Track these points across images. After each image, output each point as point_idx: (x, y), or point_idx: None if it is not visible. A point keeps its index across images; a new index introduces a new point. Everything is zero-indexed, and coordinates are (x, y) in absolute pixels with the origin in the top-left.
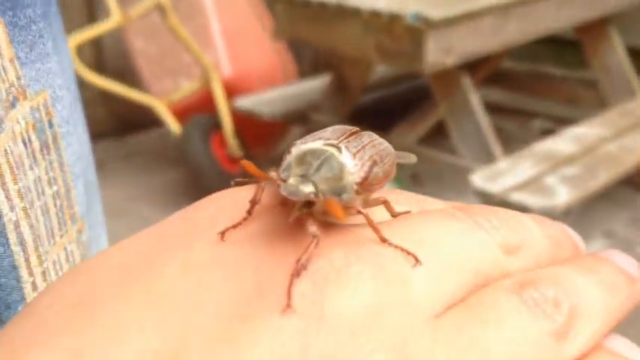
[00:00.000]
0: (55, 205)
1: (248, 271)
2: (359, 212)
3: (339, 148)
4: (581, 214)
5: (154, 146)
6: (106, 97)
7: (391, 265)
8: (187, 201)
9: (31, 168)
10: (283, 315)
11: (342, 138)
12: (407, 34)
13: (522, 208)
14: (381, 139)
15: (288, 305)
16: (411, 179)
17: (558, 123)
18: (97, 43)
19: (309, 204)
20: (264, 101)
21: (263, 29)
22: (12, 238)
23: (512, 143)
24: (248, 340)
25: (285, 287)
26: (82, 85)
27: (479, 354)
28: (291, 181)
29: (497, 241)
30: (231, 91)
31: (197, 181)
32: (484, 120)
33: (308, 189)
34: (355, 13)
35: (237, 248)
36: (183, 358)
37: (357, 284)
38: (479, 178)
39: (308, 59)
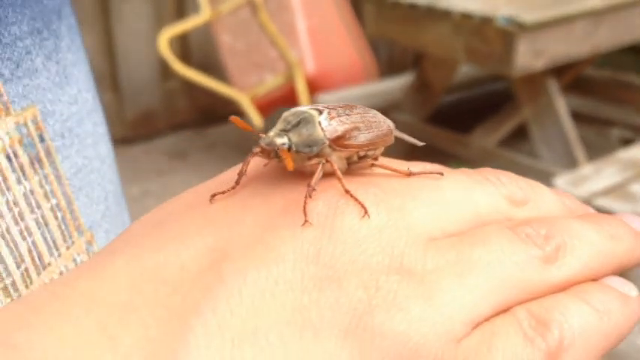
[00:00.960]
0: (57, 218)
1: (277, 197)
2: (327, 161)
3: (320, 111)
4: None
5: (233, 138)
6: (189, 88)
7: (393, 199)
8: None
9: (19, 182)
10: (303, 227)
11: (331, 105)
12: (498, 36)
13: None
14: (378, 116)
15: (306, 220)
16: None
17: (637, 132)
18: (183, 37)
19: (290, 151)
20: (345, 98)
21: (347, 28)
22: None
23: (590, 150)
24: (276, 243)
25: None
26: (166, 76)
27: (464, 265)
28: (270, 133)
29: (502, 192)
30: (314, 87)
31: None
32: (569, 125)
33: (281, 140)
34: (445, 14)
35: (268, 183)
36: (229, 252)
37: (361, 208)
38: (563, 182)
39: (384, 59)
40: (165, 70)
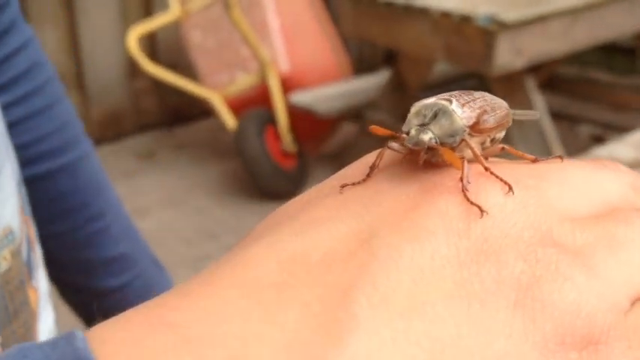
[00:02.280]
0: None
1: (413, 182)
2: (466, 143)
3: (449, 101)
4: None
5: (203, 138)
6: (157, 88)
7: (527, 178)
8: (240, 192)
9: None
10: (447, 201)
11: (454, 93)
12: (478, 35)
13: None
14: (495, 97)
15: (482, 210)
16: None
17: (606, 129)
18: (151, 35)
19: (430, 150)
20: (319, 97)
21: (320, 26)
22: None
23: (561, 147)
24: (423, 220)
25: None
26: (134, 75)
27: (612, 241)
28: (412, 132)
29: (626, 180)
30: (288, 86)
31: (250, 173)
32: (547, 122)
33: (427, 136)
34: (423, 13)
35: (400, 173)
36: (376, 231)
37: (503, 188)
38: None
39: (355, 57)
40: (132, 69)
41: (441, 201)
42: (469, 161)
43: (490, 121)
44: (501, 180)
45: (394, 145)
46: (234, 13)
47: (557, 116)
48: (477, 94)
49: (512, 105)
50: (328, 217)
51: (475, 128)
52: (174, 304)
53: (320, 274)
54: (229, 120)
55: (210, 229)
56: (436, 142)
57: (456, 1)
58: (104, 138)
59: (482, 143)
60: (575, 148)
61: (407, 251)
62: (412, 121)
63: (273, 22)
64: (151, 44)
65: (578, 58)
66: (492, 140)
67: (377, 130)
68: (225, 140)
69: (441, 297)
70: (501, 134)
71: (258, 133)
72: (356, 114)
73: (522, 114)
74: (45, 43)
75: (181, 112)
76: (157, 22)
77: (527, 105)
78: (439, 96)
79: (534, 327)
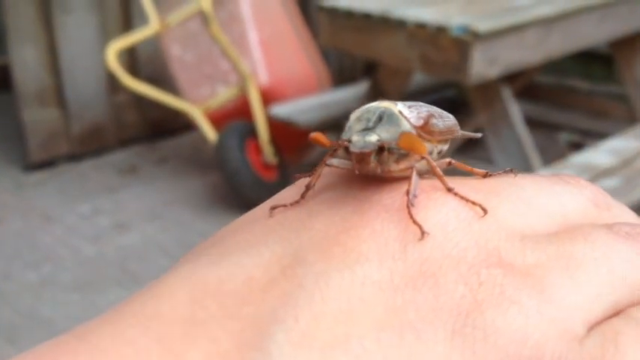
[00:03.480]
0: None
1: (349, 200)
2: (423, 158)
3: (393, 104)
4: None
5: (185, 152)
6: (138, 102)
7: (475, 194)
8: (221, 205)
9: None
10: (382, 221)
11: (398, 102)
12: (452, 45)
13: None
14: (443, 111)
15: (423, 231)
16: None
17: (584, 136)
18: (130, 50)
19: (380, 153)
20: (299, 109)
21: (299, 38)
22: None
23: (540, 155)
24: (355, 243)
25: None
26: (114, 90)
27: (569, 261)
28: (355, 137)
29: (586, 195)
30: (268, 98)
31: (232, 186)
32: (523, 131)
33: (373, 138)
34: (400, 24)
35: (336, 191)
36: (303, 257)
37: (447, 205)
38: None
39: (334, 68)
40: (112, 84)
41: (377, 221)
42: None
43: (439, 124)
44: (468, 200)
45: (334, 161)
46: (213, 27)
47: (535, 124)
48: (419, 102)
49: (490, 114)
50: (251, 243)
51: (424, 129)
52: (69, 349)
53: (234, 306)
54: (210, 133)
55: (192, 242)
56: (381, 147)
57: (432, 12)
58: (86, 153)
59: (430, 153)
60: (553, 156)
61: (335, 279)
62: (354, 127)
63: (252, 35)
64: (132, 58)
65: (555, 66)
66: (439, 152)
67: (317, 138)
68: (207, 153)
69: (370, 329)
70: (446, 146)
71: (239, 145)
72: (336, 124)
73: (466, 134)
74: (25, 59)
75: (163, 126)
76: (136, 36)
77: (504, 114)
78: (381, 101)
79: (475, 358)
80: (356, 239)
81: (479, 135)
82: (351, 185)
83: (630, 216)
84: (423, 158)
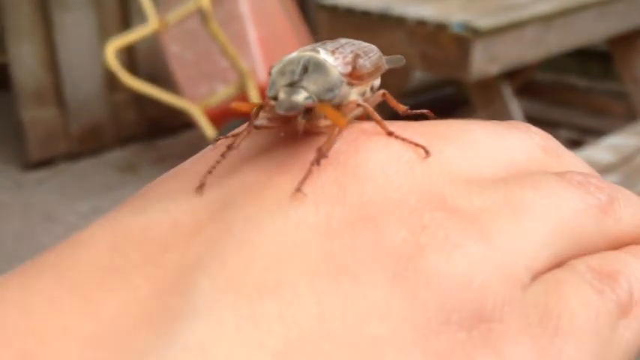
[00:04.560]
0: None
1: (281, 150)
2: (358, 105)
3: (316, 51)
4: None
5: (183, 150)
6: (137, 100)
7: (419, 137)
8: None
9: None
10: (320, 166)
11: (317, 45)
12: (453, 42)
13: None
14: (361, 42)
15: (299, 190)
16: None
17: (583, 133)
18: (129, 48)
19: (308, 113)
20: None
21: (297, 36)
22: None
23: None
24: (288, 186)
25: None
26: (113, 88)
27: (516, 207)
28: (281, 95)
29: (536, 141)
30: (266, 96)
31: None
32: None
33: (301, 96)
34: (400, 21)
35: (268, 147)
36: (232, 201)
37: (388, 147)
38: None
39: None
40: (111, 82)
41: (313, 167)
42: (357, 119)
43: (367, 65)
44: (411, 142)
45: (261, 121)
46: (212, 25)
47: (534, 121)
48: (342, 40)
49: (491, 111)
50: (178, 191)
51: (353, 75)
52: None
53: (157, 253)
54: (209, 131)
55: None
56: (313, 102)
57: (432, 10)
58: (84, 152)
59: (363, 94)
60: None
61: (266, 222)
62: (278, 82)
63: (251, 33)
64: (130, 56)
65: (554, 64)
66: (372, 89)
67: (240, 106)
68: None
69: (304, 274)
70: (378, 81)
71: None
72: None
73: (390, 60)
74: (23, 58)
75: (162, 124)
76: (135, 34)
77: (505, 111)
78: (301, 49)
79: (415, 304)
80: (290, 183)
81: (402, 62)
82: (282, 140)
83: (581, 165)
84: (359, 106)
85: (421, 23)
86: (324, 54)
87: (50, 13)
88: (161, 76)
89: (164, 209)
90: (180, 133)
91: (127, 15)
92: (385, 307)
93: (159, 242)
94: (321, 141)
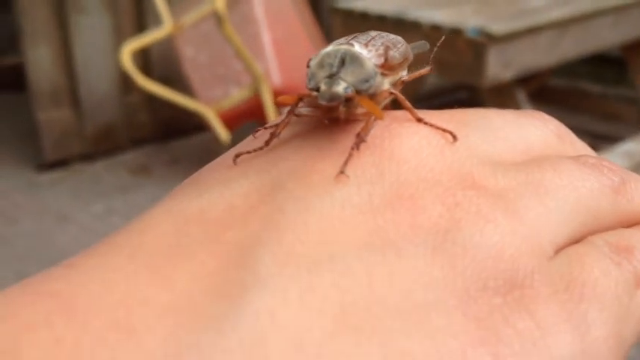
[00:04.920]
0: None
1: (322, 136)
2: (391, 94)
3: (350, 44)
4: None
5: (196, 152)
6: (150, 102)
7: (446, 124)
8: None
9: None
10: (359, 151)
11: (350, 38)
12: (468, 47)
13: None
14: (388, 33)
15: (342, 172)
16: None
17: (596, 139)
18: (143, 50)
19: (346, 102)
20: None
21: (311, 39)
22: None
23: None
24: (332, 169)
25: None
26: (127, 90)
27: (538, 186)
28: (323, 87)
29: (550, 128)
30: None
31: None
32: None
33: (341, 87)
34: (415, 26)
35: (308, 135)
36: (282, 184)
37: (419, 133)
38: None
39: None
40: (125, 84)
41: (353, 151)
42: (384, 109)
43: (396, 56)
44: (439, 128)
45: (303, 110)
46: (226, 28)
47: None
48: (372, 32)
49: None
50: (229, 178)
51: (385, 66)
52: (58, 275)
53: (218, 232)
54: (223, 133)
55: None
56: (352, 92)
57: (447, 14)
58: (98, 153)
59: (394, 84)
60: None
61: (315, 203)
62: (318, 74)
63: (265, 36)
64: (144, 59)
65: (567, 69)
66: (401, 79)
67: (284, 100)
68: (218, 154)
69: (353, 248)
70: (405, 71)
71: None
72: None
73: (414, 46)
74: (38, 59)
75: (175, 126)
76: (150, 37)
77: None
78: (336, 42)
79: (454, 273)
80: (332, 166)
81: (426, 47)
82: (321, 128)
83: (591, 152)
84: (391, 94)
85: (436, 28)
86: (358, 47)
87: (66, 15)
88: (174, 79)
89: (219, 194)
90: (193, 136)
91: (141, 18)
92: (427, 276)
93: (218, 223)
94: (356, 127)
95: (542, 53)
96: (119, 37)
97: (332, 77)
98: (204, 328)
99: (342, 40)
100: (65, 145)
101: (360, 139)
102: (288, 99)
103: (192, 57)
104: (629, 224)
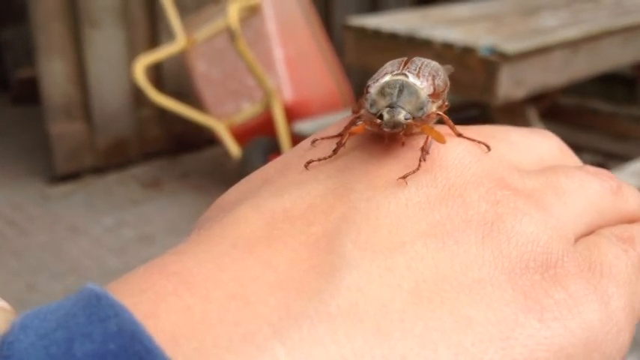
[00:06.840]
0: None
1: (381, 149)
2: (438, 115)
3: (405, 75)
4: None
5: (207, 166)
6: (162, 116)
7: (477, 137)
8: None
9: None
10: (414, 159)
11: (402, 67)
12: (480, 66)
13: None
14: (428, 60)
15: (403, 178)
16: None
17: (606, 158)
18: (156, 65)
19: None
20: (322, 126)
21: (323, 55)
22: None
23: None
24: (393, 175)
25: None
26: (139, 104)
27: (557, 188)
28: (386, 115)
29: (553, 143)
30: (291, 115)
31: None
32: None
33: (402, 115)
34: (426, 44)
35: (368, 147)
36: (352, 188)
37: (461, 145)
38: None
39: (356, 85)
40: (137, 98)
41: (409, 160)
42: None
43: (441, 84)
44: (475, 140)
45: (366, 127)
46: (240, 44)
47: None
48: (417, 61)
49: None
50: (303, 181)
51: (434, 95)
52: (172, 260)
53: (304, 226)
54: (234, 148)
55: None
56: (410, 119)
57: (459, 33)
58: (110, 166)
59: (440, 107)
60: None
61: (383, 202)
62: (380, 103)
63: (278, 52)
64: (157, 73)
65: (578, 88)
66: (444, 102)
67: (359, 130)
68: (229, 168)
69: (418, 237)
70: (445, 95)
71: (263, 160)
72: None
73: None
74: (52, 73)
75: (186, 141)
76: (163, 52)
77: None
78: (392, 73)
79: (502, 256)
80: (394, 172)
81: (451, 70)
82: (378, 139)
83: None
84: (438, 115)
85: (448, 46)
86: (412, 78)
87: (80, 30)
88: (186, 93)
89: (299, 195)
90: (204, 150)
91: (154, 33)
92: (481, 259)
93: (302, 219)
94: (405, 140)
95: (553, 72)
96: (132, 52)
97: (392, 106)
98: (309, 299)
99: (396, 69)
100: (77, 158)
101: (425, 152)
102: (361, 129)
103: (204, 72)
104: (627, 221)
